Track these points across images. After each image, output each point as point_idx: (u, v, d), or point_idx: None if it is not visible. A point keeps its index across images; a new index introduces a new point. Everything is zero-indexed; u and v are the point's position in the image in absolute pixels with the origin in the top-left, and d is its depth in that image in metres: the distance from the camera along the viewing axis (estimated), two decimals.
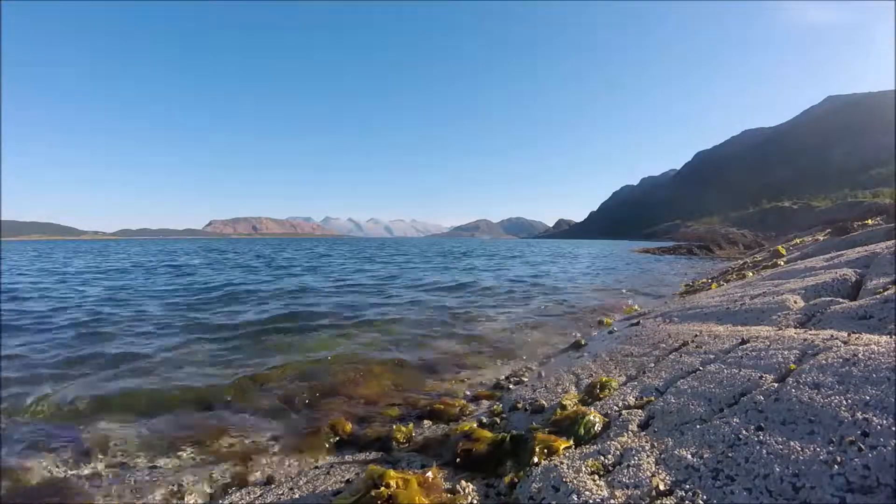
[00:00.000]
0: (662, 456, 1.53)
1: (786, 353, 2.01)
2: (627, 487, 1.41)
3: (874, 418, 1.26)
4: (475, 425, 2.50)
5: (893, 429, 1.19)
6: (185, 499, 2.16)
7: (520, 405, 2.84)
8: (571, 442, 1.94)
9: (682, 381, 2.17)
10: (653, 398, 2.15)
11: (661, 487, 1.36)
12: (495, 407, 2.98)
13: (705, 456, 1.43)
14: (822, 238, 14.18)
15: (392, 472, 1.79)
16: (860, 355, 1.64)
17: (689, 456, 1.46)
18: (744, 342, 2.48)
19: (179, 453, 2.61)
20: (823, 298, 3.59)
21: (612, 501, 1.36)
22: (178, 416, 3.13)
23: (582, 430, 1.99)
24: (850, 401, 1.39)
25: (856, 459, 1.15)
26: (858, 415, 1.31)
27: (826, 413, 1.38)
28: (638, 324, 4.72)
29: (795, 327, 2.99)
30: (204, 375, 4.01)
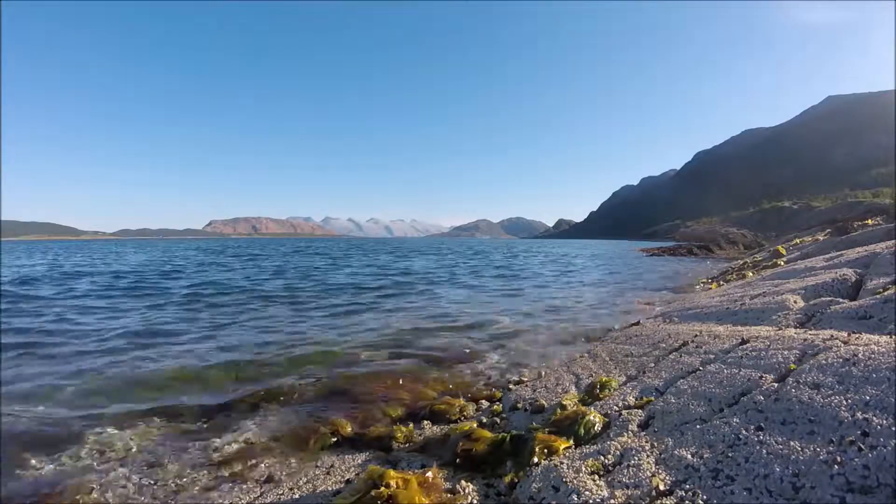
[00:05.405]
0: (662, 456, 1.53)
1: (786, 353, 2.01)
2: (627, 487, 1.41)
3: (874, 418, 1.26)
4: (475, 425, 2.50)
5: (893, 429, 1.19)
6: (186, 497, 2.16)
7: (520, 405, 2.83)
8: (571, 442, 1.94)
9: (682, 381, 2.17)
10: (653, 398, 2.15)
11: (661, 487, 1.36)
12: (495, 407, 2.98)
13: (705, 456, 1.43)
14: (822, 238, 14.18)
15: (392, 472, 1.79)
16: (860, 355, 1.64)
17: (689, 456, 1.46)
18: (744, 342, 2.48)
19: (179, 452, 2.61)
20: (823, 298, 3.60)
21: (612, 501, 1.36)
22: (177, 414, 3.13)
23: (582, 430, 2.00)
24: (850, 401, 1.39)
25: (856, 459, 1.15)
26: (858, 415, 1.31)
27: (826, 413, 1.38)
28: (638, 324, 4.72)
29: (795, 327, 3.00)
30: (204, 375, 4.01)
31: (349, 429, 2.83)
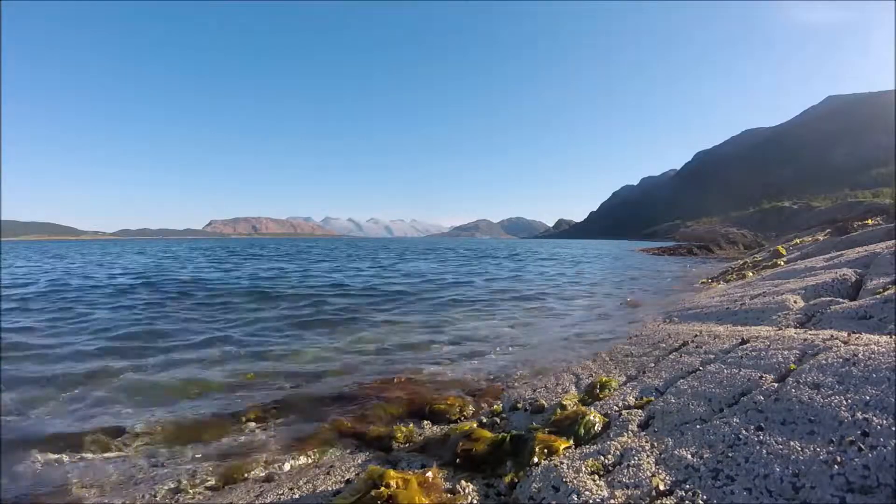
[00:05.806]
0: (662, 456, 1.53)
1: (786, 353, 2.01)
2: (627, 487, 1.41)
3: (874, 418, 1.27)
4: (475, 425, 2.50)
5: (893, 429, 1.19)
6: (185, 497, 2.16)
7: (520, 405, 2.84)
8: (571, 442, 1.94)
9: (682, 381, 2.17)
10: (653, 398, 2.15)
11: (661, 487, 1.36)
12: (495, 407, 2.98)
13: (705, 456, 1.43)
14: (822, 238, 14.18)
15: (392, 472, 1.79)
16: (860, 355, 1.65)
17: (689, 456, 1.46)
18: (744, 342, 2.48)
19: (179, 451, 2.61)
20: (823, 298, 3.60)
21: (612, 501, 1.36)
22: (177, 413, 3.13)
23: (582, 430, 2.00)
24: (850, 401, 1.39)
25: (856, 459, 1.15)
26: (858, 415, 1.31)
27: (826, 413, 1.38)
28: (638, 323, 4.72)
29: (795, 327, 3.00)
30: (204, 374, 4.01)
31: (349, 428, 2.83)
